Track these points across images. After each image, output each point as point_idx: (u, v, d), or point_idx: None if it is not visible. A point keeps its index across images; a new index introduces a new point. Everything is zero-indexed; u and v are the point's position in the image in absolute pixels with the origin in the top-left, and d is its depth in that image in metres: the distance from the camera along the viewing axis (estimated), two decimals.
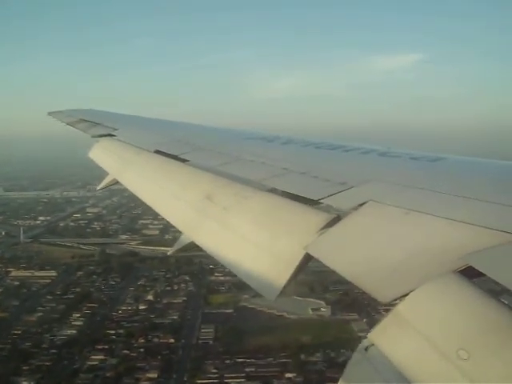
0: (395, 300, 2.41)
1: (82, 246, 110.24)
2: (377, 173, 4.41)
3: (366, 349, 2.36)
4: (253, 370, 60.94)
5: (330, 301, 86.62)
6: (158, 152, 7.06)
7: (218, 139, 8.08)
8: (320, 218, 3.47)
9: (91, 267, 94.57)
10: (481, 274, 2.30)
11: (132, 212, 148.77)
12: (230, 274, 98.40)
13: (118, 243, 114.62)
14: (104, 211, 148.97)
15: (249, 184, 4.78)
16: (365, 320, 78.77)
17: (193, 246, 4.73)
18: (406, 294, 2.41)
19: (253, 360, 63.37)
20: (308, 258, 3.23)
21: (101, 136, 9.60)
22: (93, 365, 59.10)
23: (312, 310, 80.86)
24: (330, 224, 3.36)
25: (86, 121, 11.42)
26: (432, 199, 3.41)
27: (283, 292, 3.23)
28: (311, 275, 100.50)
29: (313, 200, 3.89)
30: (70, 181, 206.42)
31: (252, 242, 3.85)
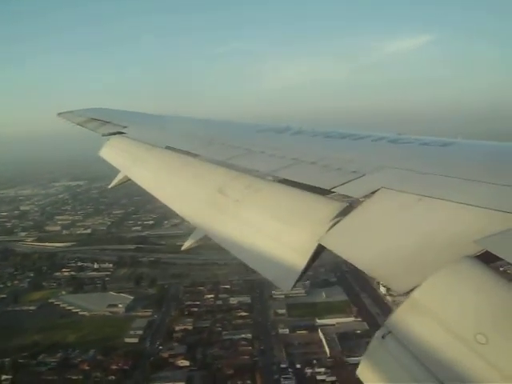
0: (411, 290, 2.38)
1: None
2: (388, 160, 4.37)
3: (383, 337, 2.33)
4: None
5: (144, 295, 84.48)
6: (168, 148, 7.18)
7: (228, 133, 8.14)
8: (332, 208, 3.46)
9: None
10: (497, 258, 2.27)
11: (61, 209, 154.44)
12: (77, 269, 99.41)
13: (11, 241, 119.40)
14: (36, 208, 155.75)
15: (260, 176, 4.83)
16: (155, 316, 76.22)
17: (206, 240, 4.82)
18: None
19: None
20: (321, 248, 3.21)
21: (111, 134, 9.66)
22: None
23: (108, 305, 79.02)
24: (343, 213, 3.35)
25: (96, 120, 11.56)
26: (444, 184, 3.38)
27: (298, 282, 3.25)
28: (147, 267, 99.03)
29: (325, 189, 3.85)
30: (42, 178, 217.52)
31: (265, 233, 3.83)
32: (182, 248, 5.37)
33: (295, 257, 3.28)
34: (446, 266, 2.31)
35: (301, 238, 3.39)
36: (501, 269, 2.30)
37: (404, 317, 2.31)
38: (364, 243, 3.09)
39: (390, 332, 2.30)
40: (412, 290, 2.33)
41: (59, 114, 14.15)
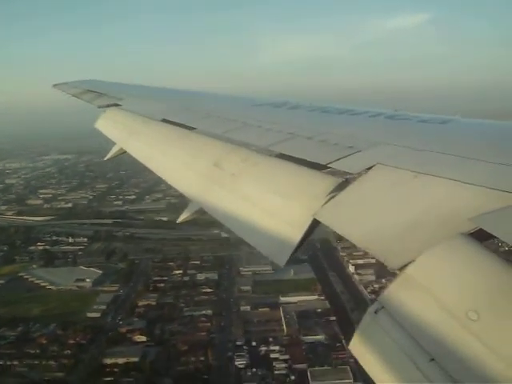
0: (405, 266, 2.37)
1: None
2: (385, 136, 4.36)
3: (376, 312, 2.34)
4: None
5: (114, 270, 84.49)
6: (164, 121, 7.09)
7: (225, 106, 8.07)
8: (328, 183, 3.46)
9: None
10: (491, 236, 2.28)
11: (46, 182, 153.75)
12: (51, 243, 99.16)
13: None
14: (21, 182, 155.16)
15: (256, 150, 4.85)
16: (121, 291, 76.33)
17: (202, 213, 4.82)
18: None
19: None
20: (316, 223, 3.21)
21: (107, 106, 9.57)
22: None
23: (76, 280, 79.07)
24: (338, 188, 3.34)
25: (92, 91, 11.46)
26: (440, 162, 3.35)
27: (292, 257, 3.25)
28: (121, 241, 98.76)
29: (321, 164, 3.84)
30: (33, 151, 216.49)
31: (260, 207, 3.81)
32: (178, 220, 5.38)
33: (290, 231, 3.28)
34: (440, 242, 2.31)
35: (296, 212, 3.39)
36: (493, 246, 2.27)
37: (397, 292, 2.31)
38: (358, 218, 3.09)
39: (382, 307, 2.31)
40: (405, 266, 2.34)
41: (54, 85, 14.06)
